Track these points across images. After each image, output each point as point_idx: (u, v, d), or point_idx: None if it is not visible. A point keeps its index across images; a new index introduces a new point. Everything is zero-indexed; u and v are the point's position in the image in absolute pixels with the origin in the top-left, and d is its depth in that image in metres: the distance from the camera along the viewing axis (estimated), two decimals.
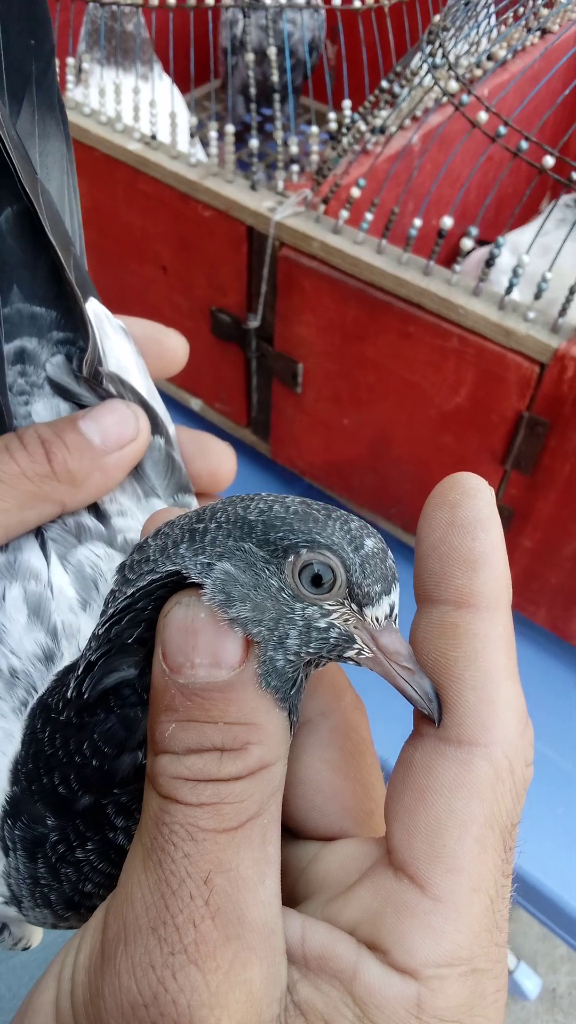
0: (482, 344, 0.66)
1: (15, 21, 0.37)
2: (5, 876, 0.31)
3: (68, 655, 0.33)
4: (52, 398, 0.37)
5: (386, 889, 0.24)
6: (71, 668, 0.31)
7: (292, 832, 0.29)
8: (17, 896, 0.32)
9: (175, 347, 0.42)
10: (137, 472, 0.37)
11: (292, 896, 0.27)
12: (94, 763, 0.28)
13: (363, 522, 0.26)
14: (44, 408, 0.37)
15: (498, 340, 0.65)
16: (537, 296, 0.63)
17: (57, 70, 0.39)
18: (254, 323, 0.80)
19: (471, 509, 0.25)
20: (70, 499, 0.35)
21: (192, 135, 0.78)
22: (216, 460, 0.40)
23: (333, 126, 0.81)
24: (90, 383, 0.37)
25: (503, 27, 0.80)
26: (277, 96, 0.77)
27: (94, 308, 0.38)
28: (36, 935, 0.41)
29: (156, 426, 0.38)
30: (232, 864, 0.23)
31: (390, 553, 0.26)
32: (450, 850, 0.23)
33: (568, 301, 0.61)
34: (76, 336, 0.38)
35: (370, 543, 0.25)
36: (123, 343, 0.39)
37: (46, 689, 0.32)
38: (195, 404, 0.97)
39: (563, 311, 0.62)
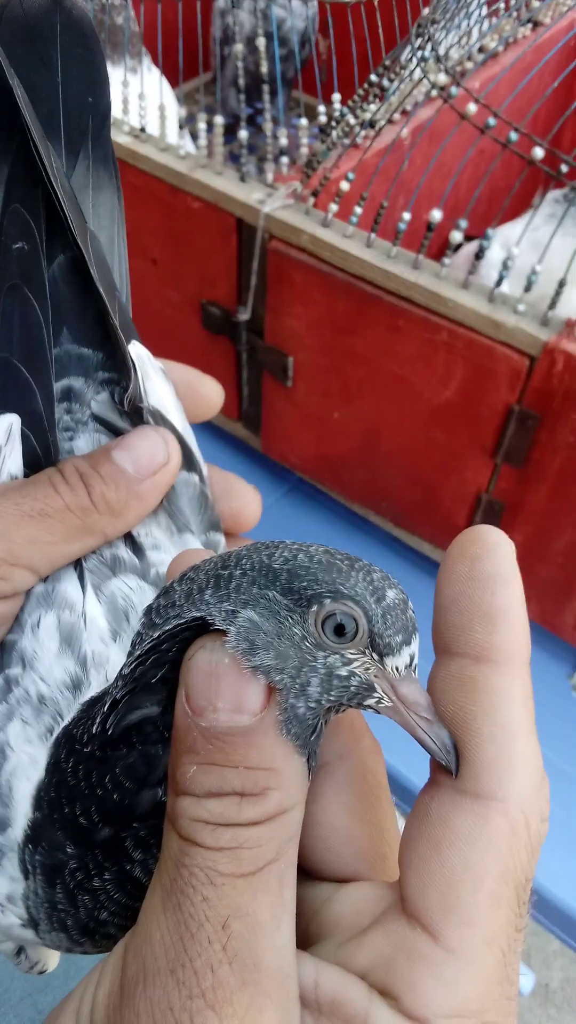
0: (472, 337, 0.65)
1: (76, 80, 0.38)
2: (24, 899, 0.32)
3: (96, 684, 0.34)
4: (94, 434, 0.39)
5: (399, 936, 0.24)
6: (96, 700, 0.31)
7: (307, 873, 0.30)
8: (35, 919, 0.32)
9: (209, 394, 0.43)
10: (172, 507, 0.39)
11: (305, 937, 0.28)
12: (115, 797, 0.29)
13: (384, 573, 0.27)
14: (86, 444, 0.39)
15: (488, 333, 0.65)
16: (527, 289, 0.63)
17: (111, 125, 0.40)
18: (244, 316, 0.79)
19: (491, 563, 0.25)
20: (111, 529, 0.36)
21: (181, 127, 0.77)
22: (242, 502, 0.41)
23: (323, 119, 0.81)
24: (132, 417, 0.39)
25: (493, 18, 0.80)
26: (266, 88, 0.76)
27: (136, 350, 0.39)
28: (52, 959, 0.42)
29: (191, 463, 0.40)
30: (250, 909, 0.24)
31: (410, 604, 0.27)
32: (464, 903, 0.24)
33: (558, 294, 0.61)
34: (120, 376, 0.39)
35: (391, 594, 0.26)
36: (163, 383, 0.41)
37: (72, 719, 0.33)
38: None
39: (553, 304, 0.62)
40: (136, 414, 0.39)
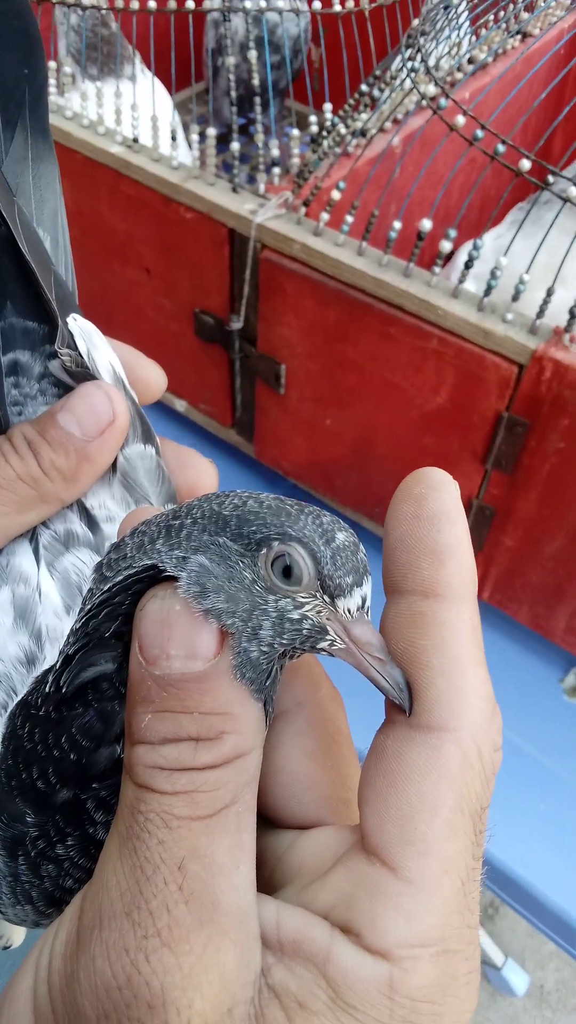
0: (461, 345, 0.66)
1: (10, 51, 0.38)
2: None
3: (50, 659, 0.34)
4: (43, 407, 0.39)
5: (359, 873, 0.24)
6: (50, 670, 0.31)
7: (270, 821, 0.30)
8: None
9: (149, 376, 0.42)
10: (128, 481, 0.38)
11: (270, 884, 0.28)
12: (72, 757, 0.28)
13: (335, 517, 0.27)
14: (34, 416, 0.38)
15: (477, 341, 0.65)
16: (515, 298, 0.64)
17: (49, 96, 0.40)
18: (237, 324, 0.80)
19: (436, 502, 0.25)
20: (66, 495, 0.36)
21: (173, 138, 0.78)
22: (196, 474, 0.41)
23: (315, 128, 0.82)
24: (85, 376, 0.38)
25: (483, 30, 0.81)
26: (258, 99, 0.77)
27: (81, 324, 0.39)
28: (18, 934, 0.42)
29: (149, 436, 0.39)
30: (206, 851, 0.24)
31: (362, 547, 0.27)
32: (421, 833, 0.24)
33: (545, 303, 0.62)
34: (71, 347, 0.39)
35: (341, 536, 0.26)
36: (111, 354, 0.40)
37: (27, 691, 0.32)
38: (180, 405, 0.97)
39: (541, 312, 0.63)
40: (87, 373, 0.38)
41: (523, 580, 0.79)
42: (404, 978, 0.23)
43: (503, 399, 0.67)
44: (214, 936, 0.23)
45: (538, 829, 0.77)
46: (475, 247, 0.63)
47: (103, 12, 0.91)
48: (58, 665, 0.28)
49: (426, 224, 0.66)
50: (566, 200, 0.60)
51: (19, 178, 0.40)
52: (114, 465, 0.38)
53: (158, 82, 0.97)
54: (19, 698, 0.32)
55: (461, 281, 0.66)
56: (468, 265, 0.64)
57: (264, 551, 0.26)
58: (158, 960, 0.23)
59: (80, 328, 0.38)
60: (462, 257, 0.76)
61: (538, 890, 0.75)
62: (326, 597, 0.26)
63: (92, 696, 0.28)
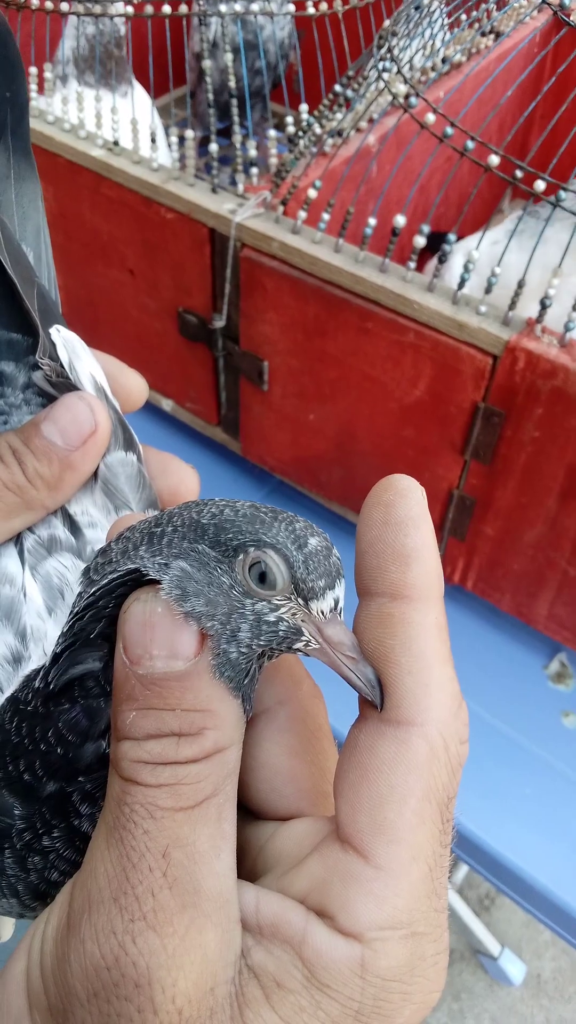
0: (437, 338, 0.67)
1: None
2: None
3: (35, 658, 0.35)
4: (27, 416, 0.40)
5: (333, 860, 0.26)
6: (38, 671, 0.32)
7: (252, 813, 0.31)
8: None
9: (130, 385, 0.43)
10: (110, 487, 0.39)
11: (252, 872, 0.29)
12: (59, 751, 0.30)
13: (308, 522, 0.28)
14: (19, 425, 0.39)
15: (452, 334, 0.67)
16: (488, 291, 0.65)
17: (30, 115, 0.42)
18: (219, 323, 0.81)
19: (403, 508, 0.27)
20: (50, 502, 0.37)
21: (153, 140, 0.80)
22: (177, 479, 0.42)
23: (291, 129, 0.83)
24: (66, 387, 0.39)
25: (455, 28, 0.82)
26: (235, 102, 0.78)
27: (64, 334, 0.40)
28: (7, 927, 0.43)
29: (130, 444, 0.40)
30: (189, 839, 0.25)
31: (335, 551, 0.28)
32: (391, 822, 0.25)
33: (517, 295, 0.63)
34: (53, 358, 0.40)
35: (314, 541, 0.27)
36: (94, 364, 0.42)
37: (16, 688, 0.33)
38: (166, 404, 0.99)
39: (512, 304, 0.64)
40: (68, 383, 0.39)
41: (505, 568, 0.80)
42: (375, 959, 0.24)
43: (479, 390, 0.68)
44: (196, 919, 0.25)
45: (526, 815, 0.78)
46: (446, 241, 0.65)
47: (120, 35, 0.92)
48: (47, 663, 0.30)
49: (400, 220, 0.67)
50: (533, 194, 0.62)
51: (2, 196, 0.42)
52: (96, 472, 0.39)
53: (139, 85, 0.98)
54: (6, 695, 0.34)
55: (435, 275, 0.67)
56: (466, 269, 0.65)
57: (241, 557, 0.27)
58: (144, 942, 0.24)
59: (63, 339, 0.39)
60: (457, 259, 0.77)
61: (528, 874, 0.76)
62: (300, 600, 0.27)
63: (79, 693, 0.30)
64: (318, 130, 0.75)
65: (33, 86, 0.90)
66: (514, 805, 0.79)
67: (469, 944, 1.45)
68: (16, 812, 0.31)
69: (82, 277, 0.92)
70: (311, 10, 0.83)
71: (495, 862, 0.77)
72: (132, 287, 0.88)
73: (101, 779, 0.29)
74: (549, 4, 0.67)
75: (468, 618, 0.90)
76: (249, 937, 0.26)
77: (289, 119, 0.84)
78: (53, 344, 0.39)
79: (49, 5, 0.83)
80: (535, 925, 1.52)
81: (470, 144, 0.62)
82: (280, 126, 1.08)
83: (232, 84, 0.80)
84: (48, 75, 0.91)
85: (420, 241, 0.67)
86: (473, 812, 0.78)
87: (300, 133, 0.75)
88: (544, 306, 0.63)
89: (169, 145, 0.86)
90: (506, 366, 0.65)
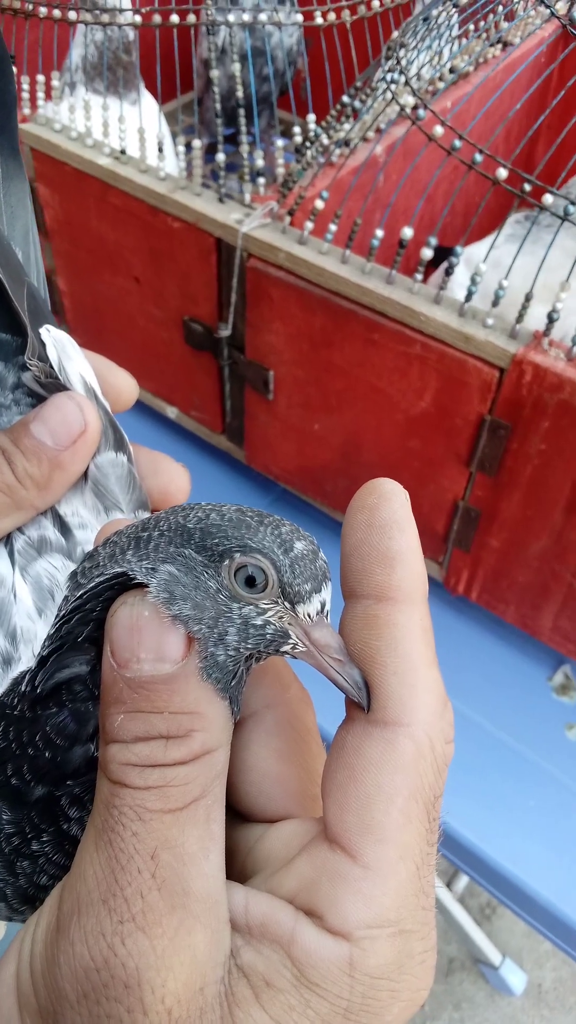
0: (444, 350, 0.67)
1: None
2: None
3: (25, 660, 0.35)
4: (16, 416, 0.39)
5: (321, 860, 0.26)
6: (27, 672, 0.32)
7: (241, 816, 0.31)
8: None
9: (119, 384, 0.42)
10: (100, 488, 0.39)
11: (241, 874, 0.29)
12: (47, 754, 0.30)
13: (295, 526, 0.28)
14: (8, 426, 0.39)
15: (459, 346, 0.67)
16: (495, 303, 0.65)
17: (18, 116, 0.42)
18: (225, 332, 0.81)
19: (387, 511, 0.27)
20: (40, 502, 0.37)
21: (160, 149, 0.79)
22: (167, 479, 0.41)
23: (299, 139, 0.83)
24: (56, 387, 0.39)
25: (463, 39, 0.82)
26: (242, 111, 0.78)
27: (55, 334, 0.39)
28: None
29: (121, 444, 0.40)
30: (177, 841, 0.25)
31: (321, 554, 0.28)
32: (378, 822, 0.25)
33: (524, 308, 0.63)
34: (42, 357, 0.40)
35: (300, 545, 0.27)
36: (85, 364, 0.41)
37: (3, 691, 0.33)
38: (171, 412, 0.99)
39: (520, 317, 0.64)
40: (57, 383, 0.39)
41: (510, 580, 0.80)
42: (363, 957, 0.24)
43: (485, 402, 0.68)
44: (185, 920, 0.25)
45: (530, 827, 0.78)
46: (454, 254, 0.65)
47: (129, 41, 0.91)
48: (34, 666, 0.30)
49: (407, 232, 0.67)
50: (541, 208, 0.62)
51: None
52: (86, 473, 0.39)
53: (148, 93, 0.98)
54: None
55: (441, 287, 0.67)
56: (473, 281, 0.65)
57: (227, 562, 0.27)
58: (133, 943, 0.24)
59: (53, 339, 0.39)
60: (462, 270, 0.77)
61: (530, 887, 0.76)
62: (287, 603, 0.27)
63: (66, 697, 0.30)
64: (325, 140, 0.75)
65: (40, 94, 0.90)
66: (518, 817, 0.78)
67: (470, 953, 1.45)
68: (4, 817, 0.31)
69: (88, 285, 0.92)
70: (319, 20, 0.83)
71: (497, 874, 0.77)
72: (138, 295, 0.88)
73: (90, 783, 0.29)
74: (558, 17, 0.67)
75: (472, 629, 0.90)
76: (238, 937, 0.26)
77: (296, 128, 0.84)
78: (43, 344, 0.39)
79: (57, 14, 0.83)
80: (536, 935, 1.51)
81: (478, 157, 0.62)
82: (287, 133, 1.08)
83: (240, 93, 0.80)
84: (56, 83, 0.91)
85: (427, 253, 0.66)
86: (476, 823, 0.77)
87: (307, 143, 0.75)
88: (551, 319, 0.63)
89: (176, 154, 0.86)
90: (513, 379, 0.65)
